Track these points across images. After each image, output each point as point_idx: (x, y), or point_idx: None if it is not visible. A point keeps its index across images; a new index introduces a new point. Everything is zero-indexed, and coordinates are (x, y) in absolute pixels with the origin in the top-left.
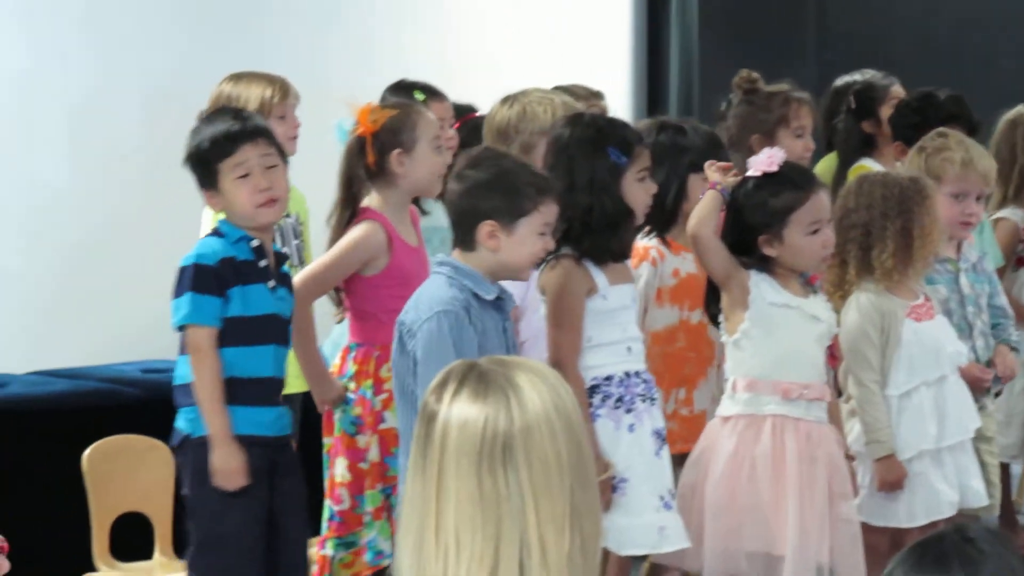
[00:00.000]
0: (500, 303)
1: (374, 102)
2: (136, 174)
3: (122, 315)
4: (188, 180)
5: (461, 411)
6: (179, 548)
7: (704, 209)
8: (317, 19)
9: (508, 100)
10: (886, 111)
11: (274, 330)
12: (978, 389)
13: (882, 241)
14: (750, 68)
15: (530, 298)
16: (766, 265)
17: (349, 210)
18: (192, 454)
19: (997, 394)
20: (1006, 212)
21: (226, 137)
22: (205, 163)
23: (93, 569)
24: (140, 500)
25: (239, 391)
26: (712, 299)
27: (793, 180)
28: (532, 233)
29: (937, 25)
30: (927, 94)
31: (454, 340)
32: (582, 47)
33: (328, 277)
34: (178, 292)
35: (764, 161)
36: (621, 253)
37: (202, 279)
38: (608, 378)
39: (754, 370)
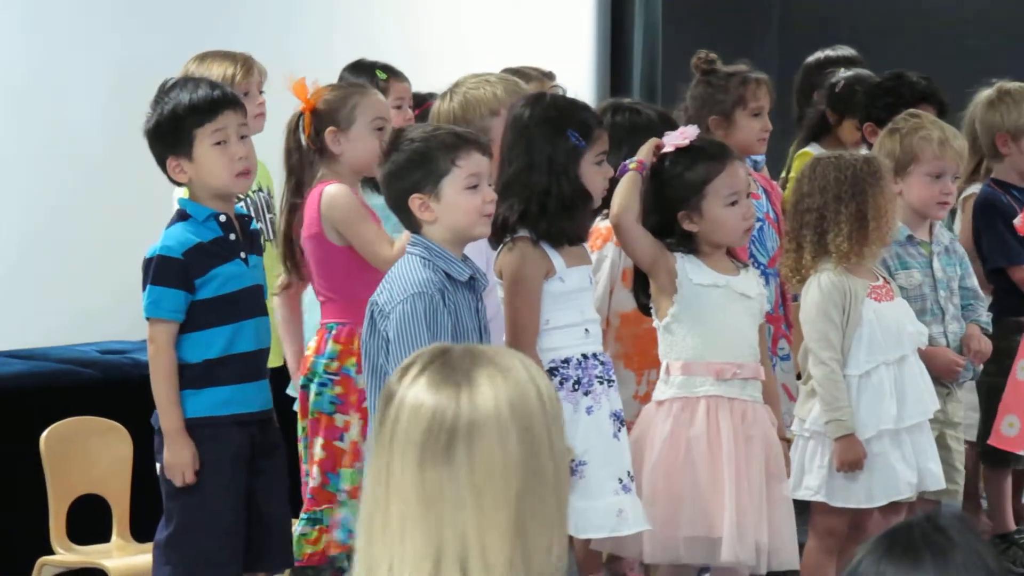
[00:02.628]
0: (473, 283)
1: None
2: (93, 154)
3: (80, 296)
4: (145, 160)
5: (415, 396)
6: (137, 530)
7: (624, 195)
8: (284, 3)
9: (446, 95)
10: (848, 123)
11: (252, 302)
12: (950, 375)
13: (837, 224)
14: (714, 49)
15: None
16: (690, 244)
17: (291, 181)
18: None
19: (974, 379)
20: (976, 188)
21: (208, 103)
22: (179, 129)
23: (50, 552)
24: (98, 482)
25: (223, 370)
26: (640, 287)
27: (708, 152)
28: (460, 189)
29: (901, 4)
30: (899, 75)
31: (428, 322)
32: (546, 31)
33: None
34: (143, 284)
35: (677, 136)
36: (578, 236)
37: (163, 272)
38: (566, 360)
39: (686, 352)
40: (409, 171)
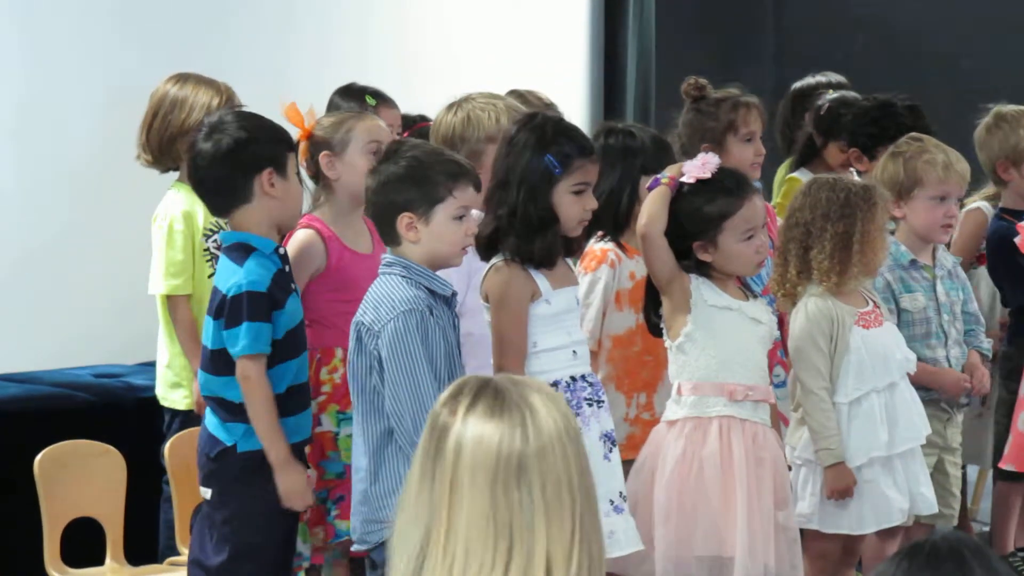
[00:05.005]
0: (451, 300)
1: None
2: (87, 176)
3: (74, 320)
4: (140, 183)
5: (476, 427)
6: (131, 554)
7: (653, 207)
8: (276, 22)
9: (452, 107)
10: (833, 147)
11: (303, 333)
12: (953, 395)
13: (820, 243)
14: (708, 72)
15: (471, 302)
16: (703, 270)
17: None
18: (232, 466)
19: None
20: (978, 203)
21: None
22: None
23: (44, 575)
24: (92, 505)
25: (289, 402)
26: (651, 306)
27: (727, 186)
28: (449, 219)
29: (895, 26)
30: (886, 103)
31: (421, 338)
32: (539, 52)
33: None
34: (234, 321)
35: (698, 167)
36: (542, 259)
37: (256, 307)
38: (554, 384)
39: (698, 373)
40: (405, 187)
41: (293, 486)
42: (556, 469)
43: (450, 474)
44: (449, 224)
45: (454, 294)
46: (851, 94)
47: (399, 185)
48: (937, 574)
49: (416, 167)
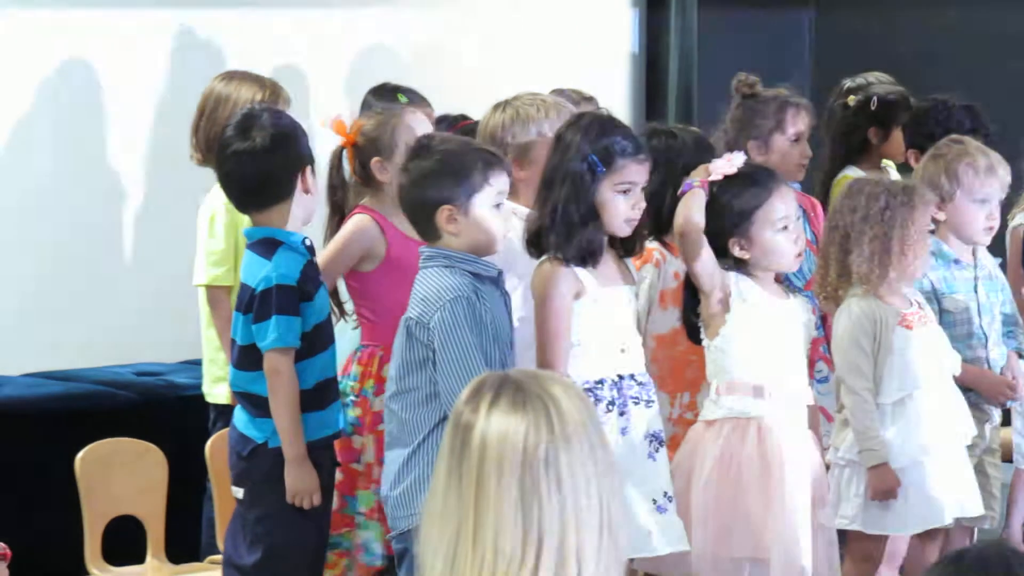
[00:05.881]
0: (499, 279)
1: (342, 117)
2: (129, 174)
3: (115, 317)
4: (181, 179)
5: (500, 422)
6: (171, 552)
7: (689, 208)
8: (314, 23)
9: (500, 105)
10: (896, 131)
11: (331, 326)
12: (998, 399)
13: (859, 246)
14: (749, 73)
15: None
16: (742, 268)
17: (336, 217)
18: (265, 462)
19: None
20: (1021, 219)
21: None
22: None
23: (85, 573)
24: (133, 503)
25: (320, 397)
26: (689, 308)
27: (755, 179)
28: (488, 207)
29: (939, 28)
30: (944, 103)
31: (471, 324)
32: (582, 53)
33: (327, 273)
34: (263, 314)
35: (724, 164)
36: (583, 257)
37: (286, 300)
38: (600, 382)
39: (736, 373)
40: (441, 180)
41: (304, 484)
42: (582, 458)
43: (476, 471)
44: (488, 212)
45: (500, 273)
46: (897, 88)
47: (435, 180)
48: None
49: (450, 160)
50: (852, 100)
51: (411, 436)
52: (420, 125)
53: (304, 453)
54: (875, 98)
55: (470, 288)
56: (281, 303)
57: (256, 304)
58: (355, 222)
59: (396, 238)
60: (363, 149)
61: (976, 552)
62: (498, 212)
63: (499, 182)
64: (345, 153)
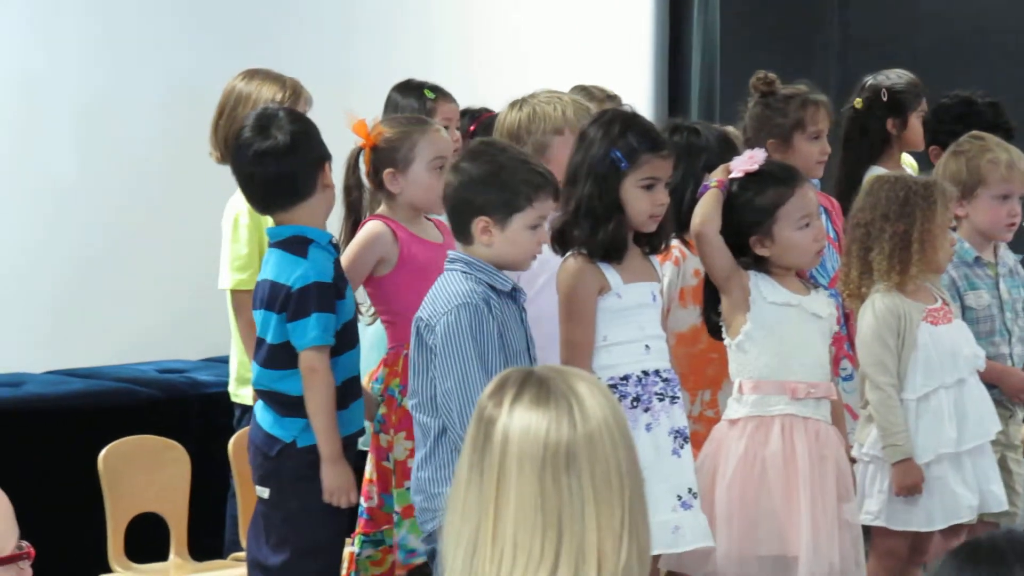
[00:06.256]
0: (515, 294)
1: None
2: (152, 173)
3: (139, 315)
4: (204, 179)
5: (523, 417)
6: (194, 549)
7: (706, 207)
8: (341, 19)
9: (516, 103)
10: (913, 118)
11: (357, 324)
12: (1017, 394)
13: (880, 243)
14: (772, 69)
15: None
16: (762, 266)
17: (350, 218)
18: (294, 462)
19: None
20: None
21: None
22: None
23: (108, 570)
24: (156, 501)
25: (346, 394)
26: (710, 306)
27: (777, 176)
28: (525, 228)
29: (961, 24)
30: (967, 100)
31: (473, 332)
32: (604, 49)
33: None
34: (302, 312)
35: (745, 161)
36: (607, 252)
37: (324, 298)
38: (625, 378)
39: (759, 371)
40: (486, 190)
41: (341, 482)
42: (605, 456)
43: (498, 466)
44: (523, 233)
45: (515, 288)
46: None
47: (481, 187)
48: (1003, 571)
49: (500, 172)
50: (860, 103)
51: (423, 438)
52: (441, 145)
53: (340, 451)
54: (884, 90)
55: (481, 296)
56: (320, 301)
57: (293, 302)
58: (368, 229)
59: (409, 239)
60: (380, 155)
61: (989, 543)
62: (533, 234)
63: (543, 205)
64: (362, 155)
